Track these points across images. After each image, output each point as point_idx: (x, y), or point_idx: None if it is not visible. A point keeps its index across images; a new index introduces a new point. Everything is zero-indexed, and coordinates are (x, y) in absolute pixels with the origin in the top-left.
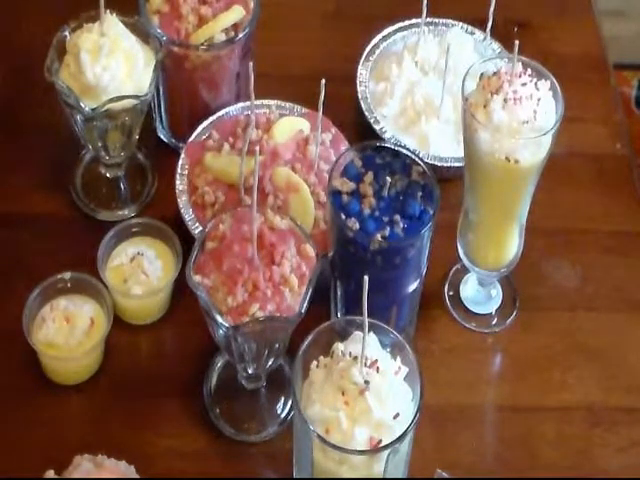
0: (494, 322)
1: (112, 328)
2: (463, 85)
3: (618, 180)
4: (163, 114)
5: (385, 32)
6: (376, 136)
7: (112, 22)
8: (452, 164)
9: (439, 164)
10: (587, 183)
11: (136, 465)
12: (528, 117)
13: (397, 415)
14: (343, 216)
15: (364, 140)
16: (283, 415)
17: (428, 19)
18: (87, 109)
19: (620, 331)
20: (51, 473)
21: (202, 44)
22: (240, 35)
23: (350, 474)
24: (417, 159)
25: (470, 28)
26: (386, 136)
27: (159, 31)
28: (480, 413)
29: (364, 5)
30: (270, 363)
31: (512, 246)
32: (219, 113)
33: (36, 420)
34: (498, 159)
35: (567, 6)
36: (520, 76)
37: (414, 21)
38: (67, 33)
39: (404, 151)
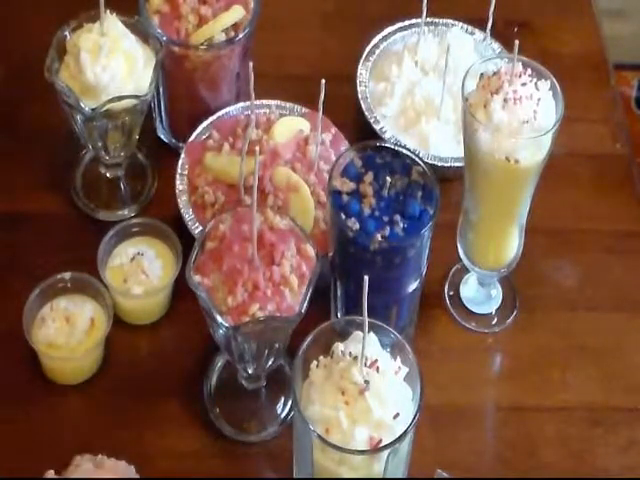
0: (494, 322)
1: (112, 328)
2: (463, 85)
3: (618, 180)
4: (163, 114)
5: (385, 32)
6: (376, 136)
7: (112, 22)
8: (452, 164)
9: (439, 164)
10: (587, 183)
11: (136, 465)
12: (528, 117)
13: (397, 415)
14: (343, 216)
15: (364, 140)
16: (283, 415)
17: (428, 19)
18: (87, 109)
19: (620, 331)
20: (51, 473)
21: (202, 44)
22: (240, 35)
23: (350, 474)
24: (417, 159)
25: (470, 28)
26: (386, 136)
27: (159, 31)
28: (480, 413)
29: (364, 5)
30: (270, 363)
31: (512, 246)
32: (219, 113)
33: (36, 420)
34: (498, 159)
35: (567, 6)
36: (520, 76)
37: (414, 21)
38: (67, 33)
39: (404, 151)
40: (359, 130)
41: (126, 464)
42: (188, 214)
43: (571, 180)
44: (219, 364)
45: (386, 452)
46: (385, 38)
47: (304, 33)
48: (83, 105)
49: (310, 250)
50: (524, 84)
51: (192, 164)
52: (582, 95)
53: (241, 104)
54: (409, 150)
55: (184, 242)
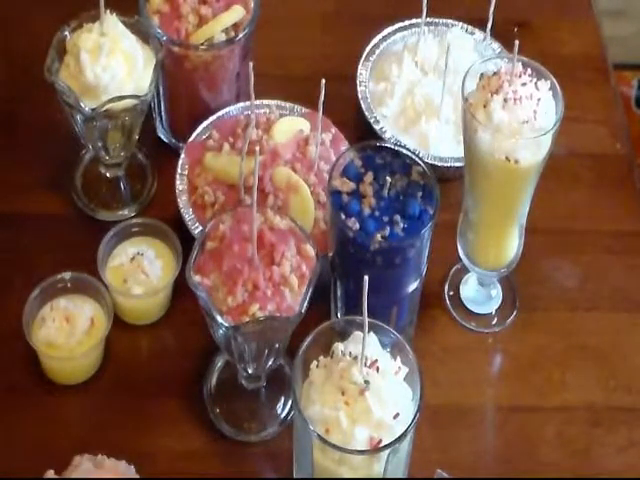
0: (494, 322)
1: (112, 328)
2: (463, 85)
3: (618, 180)
4: (163, 114)
5: (385, 32)
6: (376, 136)
7: (112, 22)
8: (452, 164)
9: (439, 164)
10: (587, 183)
11: (136, 465)
12: (528, 117)
13: (397, 415)
14: (343, 216)
15: (364, 140)
16: (283, 415)
17: (428, 19)
18: (87, 109)
19: (620, 331)
20: (51, 473)
21: (202, 44)
22: (240, 35)
23: (350, 474)
24: (417, 159)
25: (470, 28)
26: (386, 136)
27: (159, 31)
28: (480, 413)
29: (364, 5)
30: (270, 363)
31: (512, 246)
32: (219, 113)
33: (36, 420)
34: (498, 159)
35: (567, 6)
36: (520, 76)
37: (414, 21)
38: (67, 33)
39: (404, 151)
40: (359, 130)
41: (126, 464)
42: (188, 214)
43: (571, 180)
44: (219, 364)
45: (386, 452)
46: (385, 38)
47: (304, 33)
48: (83, 105)
49: (310, 250)
50: (524, 84)
51: (192, 164)
52: (582, 95)
53: (241, 104)
54: (409, 150)
55: (184, 242)
